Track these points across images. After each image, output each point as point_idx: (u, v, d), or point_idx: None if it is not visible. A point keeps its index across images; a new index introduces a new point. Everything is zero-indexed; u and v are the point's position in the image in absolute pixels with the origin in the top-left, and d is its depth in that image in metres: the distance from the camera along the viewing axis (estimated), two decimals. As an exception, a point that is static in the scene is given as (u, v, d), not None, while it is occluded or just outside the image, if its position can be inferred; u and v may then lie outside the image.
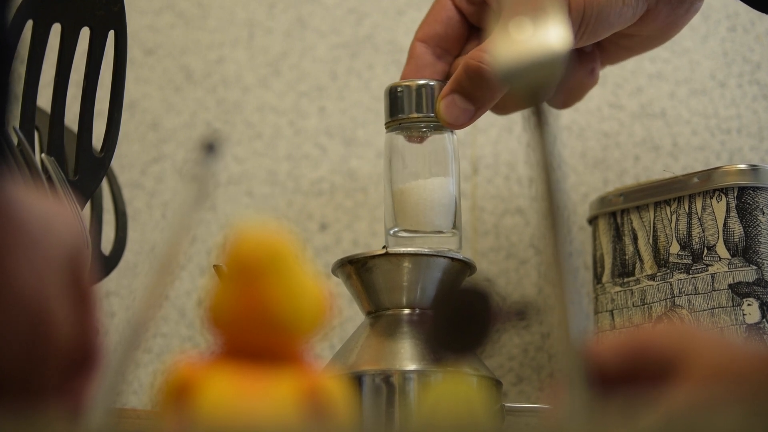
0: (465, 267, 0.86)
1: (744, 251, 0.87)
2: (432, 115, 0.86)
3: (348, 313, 0.99)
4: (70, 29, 0.77)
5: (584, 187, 1.06)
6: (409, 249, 0.85)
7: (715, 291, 0.87)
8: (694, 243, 0.89)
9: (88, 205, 0.87)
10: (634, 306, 0.91)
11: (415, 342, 0.83)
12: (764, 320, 0.85)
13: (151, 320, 0.46)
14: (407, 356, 0.82)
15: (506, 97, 0.88)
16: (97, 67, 0.78)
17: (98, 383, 0.46)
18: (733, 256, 0.87)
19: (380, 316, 0.86)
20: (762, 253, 0.86)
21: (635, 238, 0.92)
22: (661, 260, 0.90)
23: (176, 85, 1.11)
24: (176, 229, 0.46)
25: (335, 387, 0.47)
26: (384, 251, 0.85)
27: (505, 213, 1.07)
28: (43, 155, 0.78)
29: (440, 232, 0.87)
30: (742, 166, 0.89)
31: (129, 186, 1.07)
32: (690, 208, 0.89)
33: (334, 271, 0.87)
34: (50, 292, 0.51)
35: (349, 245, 1.07)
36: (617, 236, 0.93)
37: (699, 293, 0.87)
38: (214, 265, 0.74)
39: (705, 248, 0.88)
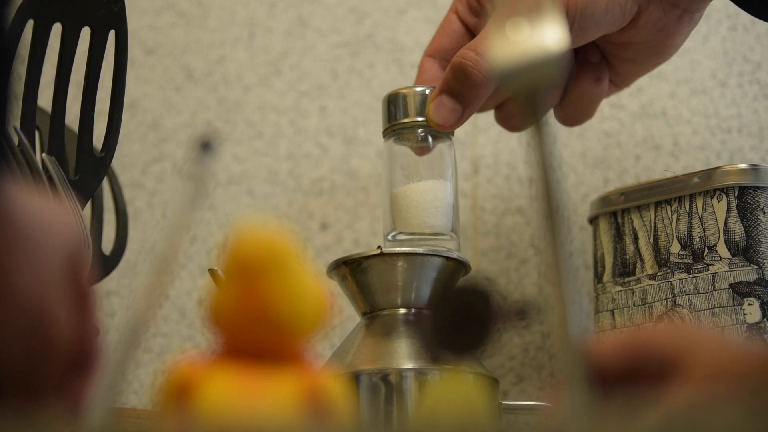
0: (460, 266, 0.86)
1: (745, 251, 0.87)
2: (422, 119, 0.87)
3: (348, 312, 0.99)
4: (70, 29, 0.77)
5: (585, 186, 1.06)
6: (403, 249, 0.85)
7: (715, 290, 0.87)
8: (694, 242, 0.89)
9: (88, 205, 0.87)
10: (634, 305, 0.91)
11: (412, 341, 0.83)
12: (765, 320, 0.85)
13: (151, 320, 0.46)
14: (404, 355, 0.82)
15: (511, 109, 0.88)
16: (97, 67, 0.78)
17: (98, 383, 0.46)
18: (733, 255, 0.87)
19: (376, 316, 0.86)
20: (762, 253, 0.86)
21: (636, 238, 0.92)
22: (661, 260, 0.90)
23: (177, 85, 1.11)
24: (174, 228, 0.46)
25: (335, 386, 0.47)
26: (379, 251, 0.85)
27: (506, 213, 1.07)
28: (43, 155, 0.78)
29: (437, 234, 0.87)
30: (743, 166, 0.89)
31: (129, 185, 1.07)
32: (691, 207, 0.89)
33: (329, 273, 0.87)
34: (50, 292, 0.51)
35: (349, 245, 1.07)
36: (618, 236, 0.93)
37: (700, 293, 0.87)
38: (210, 270, 0.74)
39: (706, 248, 0.88)
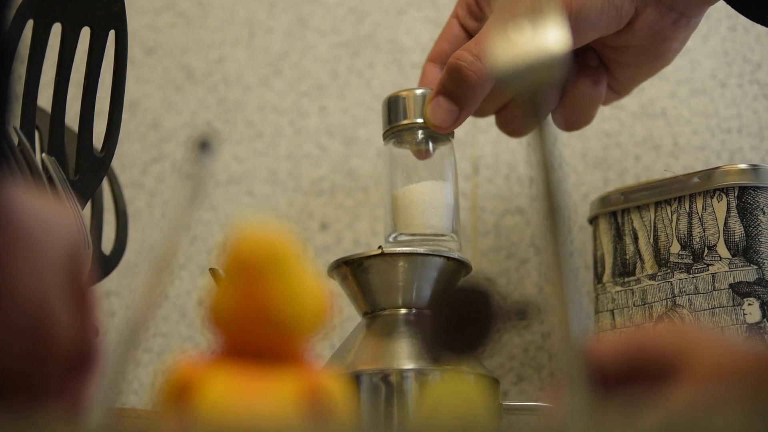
0: (461, 266, 0.86)
1: (744, 251, 0.87)
2: (420, 120, 0.87)
3: (348, 312, 0.99)
4: (70, 29, 0.77)
5: (585, 186, 1.06)
6: (404, 249, 0.85)
7: (715, 290, 0.87)
8: (694, 242, 0.89)
9: (88, 205, 0.87)
10: (634, 306, 0.91)
11: (413, 341, 0.83)
12: (765, 320, 0.85)
13: (151, 320, 0.46)
14: (405, 355, 0.82)
15: (511, 113, 0.88)
16: (97, 67, 0.78)
17: (98, 383, 0.46)
18: (733, 255, 0.87)
19: (377, 316, 0.86)
20: (762, 253, 0.86)
21: (636, 238, 0.92)
22: (661, 260, 0.90)
23: (177, 85, 1.11)
24: (173, 228, 0.46)
25: (335, 386, 0.47)
26: (380, 251, 0.85)
27: (506, 213, 1.07)
28: (43, 155, 0.78)
29: (437, 235, 0.87)
30: (743, 166, 0.89)
31: (129, 185, 1.07)
32: (690, 207, 0.89)
33: (330, 273, 0.87)
34: (50, 293, 0.51)
35: (349, 245, 1.07)
36: (618, 236, 0.93)
37: (699, 293, 0.87)
38: (210, 269, 0.74)
39: (705, 248, 0.88)
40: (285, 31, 1.12)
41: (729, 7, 0.86)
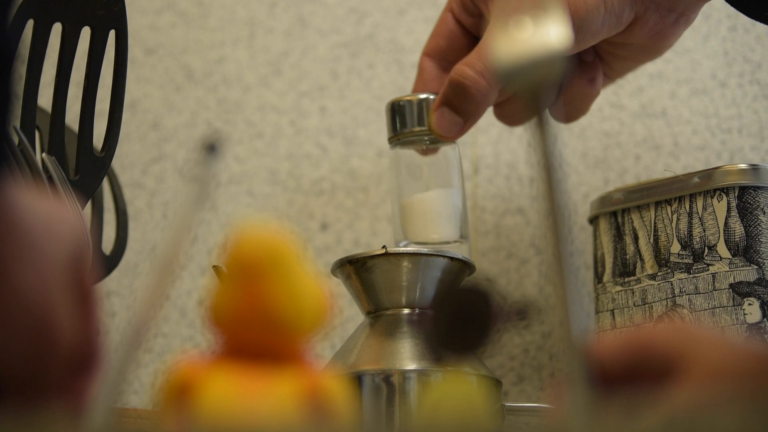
0: (464, 267, 0.87)
1: (745, 251, 0.87)
2: (425, 128, 0.88)
3: (348, 312, 0.99)
4: (70, 29, 0.77)
5: (585, 186, 1.06)
6: (408, 249, 0.86)
7: (715, 290, 0.87)
8: (694, 242, 0.89)
9: (88, 205, 0.87)
10: (635, 305, 0.91)
11: (415, 342, 0.83)
12: (765, 320, 0.85)
13: (152, 320, 0.46)
14: (407, 356, 0.82)
15: (510, 106, 0.89)
16: (97, 67, 0.78)
17: (100, 383, 0.46)
18: (734, 255, 0.87)
19: (380, 316, 0.86)
20: (763, 253, 0.86)
21: (636, 238, 0.92)
22: (661, 260, 0.90)
23: (177, 85, 1.11)
24: (177, 229, 0.46)
25: (336, 387, 0.47)
26: (383, 251, 0.85)
27: (506, 213, 1.07)
28: (44, 155, 0.78)
29: (447, 243, 0.89)
30: (743, 166, 0.89)
31: (130, 185, 1.07)
32: (691, 207, 0.89)
33: (333, 272, 0.88)
34: (52, 293, 0.51)
35: (350, 245, 1.07)
36: (618, 236, 0.93)
37: (700, 293, 0.87)
38: (214, 266, 0.74)
39: (706, 248, 0.88)
40: (285, 31, 1.12)
41: (729, 7, 0.86)
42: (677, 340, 0.49)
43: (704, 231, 0.88)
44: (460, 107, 0.85)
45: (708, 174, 0.89)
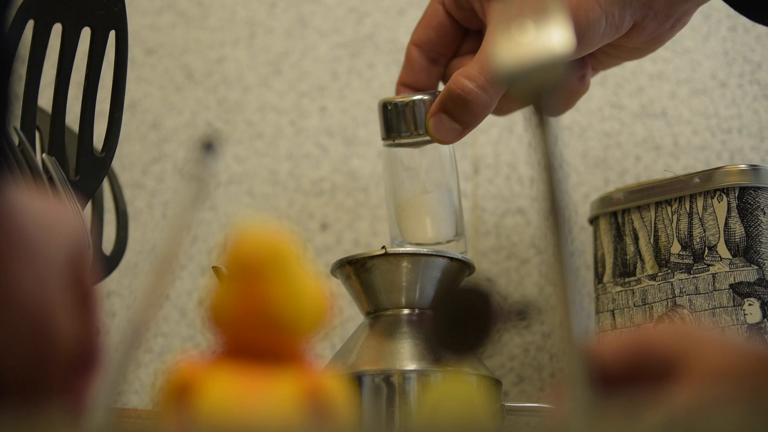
0: (464, 267, 0.87)
1: (745, 251, 0.87)
2: (423, 131, 0.87)
3: (348, 313, 0.99)
4: (71, 29, 0.77)
5: (585, 186, 1.06)
6: (407, 249, 0.86)
7: (716, 291, 0.87)
8: (695, 243, 0.89)
9: (89, 205, 0.87)
10: (635, 306, 0.91)
11: (415, 342, 0.83)
12: (765, 320, 0.85)
13: (152, 320, 0.46)
14: (407, 356, 0.82)
15: (504, 100, 0.88)
16: (98, 67, 0.78)
17: (99, 383, 0.46)
18: (734, 256, 0.87)
19: (379, 316, 0.86)
20: (763, 253, 0.86)
21: (636, 238, 0.92)
22: (662, 260, 0.90)
23: (177, 85, 1.11)
24: (176, 229, 0.46)
25: (336, 387, 0.47)
26: (383, 251, 0.85)
27: (506, 213, 1.07)
28: (44, 155, 0.78)
29: (440, 242, 0.89)
30: (743, 166, 0.89)
31: (130, 186, 1.07)
32: (691, 207, 0.89)
33: (333, 272, 0.88)
34: (52, 293, 0.51)
35: (350, 245, 1.07)
36: (618, 236, 0.93)
37: (700, 293, 0.87)
38: (213, 267, 0.75)
39: (706, 248, 0.88)
40: (285, 31, 1.12)
41: (729, 8, 0.86)
42: (677, 341, 0.49)
43: (704, 231, 0.88)
44: (459, 117, 0.85)
45: (708, 174, 0.89)
